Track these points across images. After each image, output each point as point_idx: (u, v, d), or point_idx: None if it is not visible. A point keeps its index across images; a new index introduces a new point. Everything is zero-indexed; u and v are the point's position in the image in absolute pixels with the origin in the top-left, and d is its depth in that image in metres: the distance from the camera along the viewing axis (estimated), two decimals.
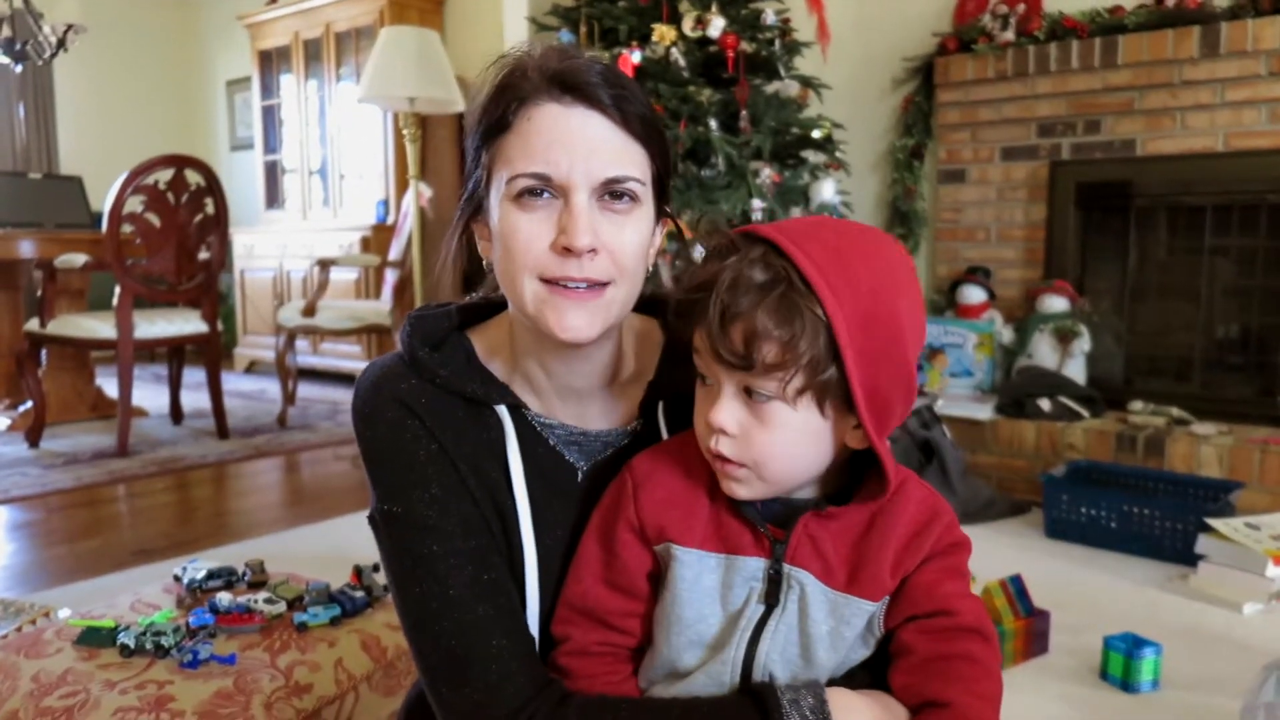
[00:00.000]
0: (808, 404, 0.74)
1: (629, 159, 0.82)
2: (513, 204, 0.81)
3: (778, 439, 0.75)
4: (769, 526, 0.79)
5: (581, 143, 0.80)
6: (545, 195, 0.80)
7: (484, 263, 0.89)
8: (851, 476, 0.82)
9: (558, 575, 0.88)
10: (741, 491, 0.78)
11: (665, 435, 0.90)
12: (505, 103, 0.82)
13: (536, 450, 0.90)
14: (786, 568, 0.78)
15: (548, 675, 0.84)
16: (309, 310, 4.24)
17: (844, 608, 0.78)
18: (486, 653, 0.82)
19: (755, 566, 0.79)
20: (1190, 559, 2.27)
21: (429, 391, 0.88)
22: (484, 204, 0.86)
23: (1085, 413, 2.97)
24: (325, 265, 4.41)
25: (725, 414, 0.76)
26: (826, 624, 0.78)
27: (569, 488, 0.90)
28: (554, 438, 0.91)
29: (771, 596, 0.78)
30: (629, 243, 0.82)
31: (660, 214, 0.88)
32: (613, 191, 0.81)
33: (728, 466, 0.77)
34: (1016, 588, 1.88)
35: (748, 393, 0.75)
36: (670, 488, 0.82)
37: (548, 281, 0.81)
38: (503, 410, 0.89)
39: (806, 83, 3.30)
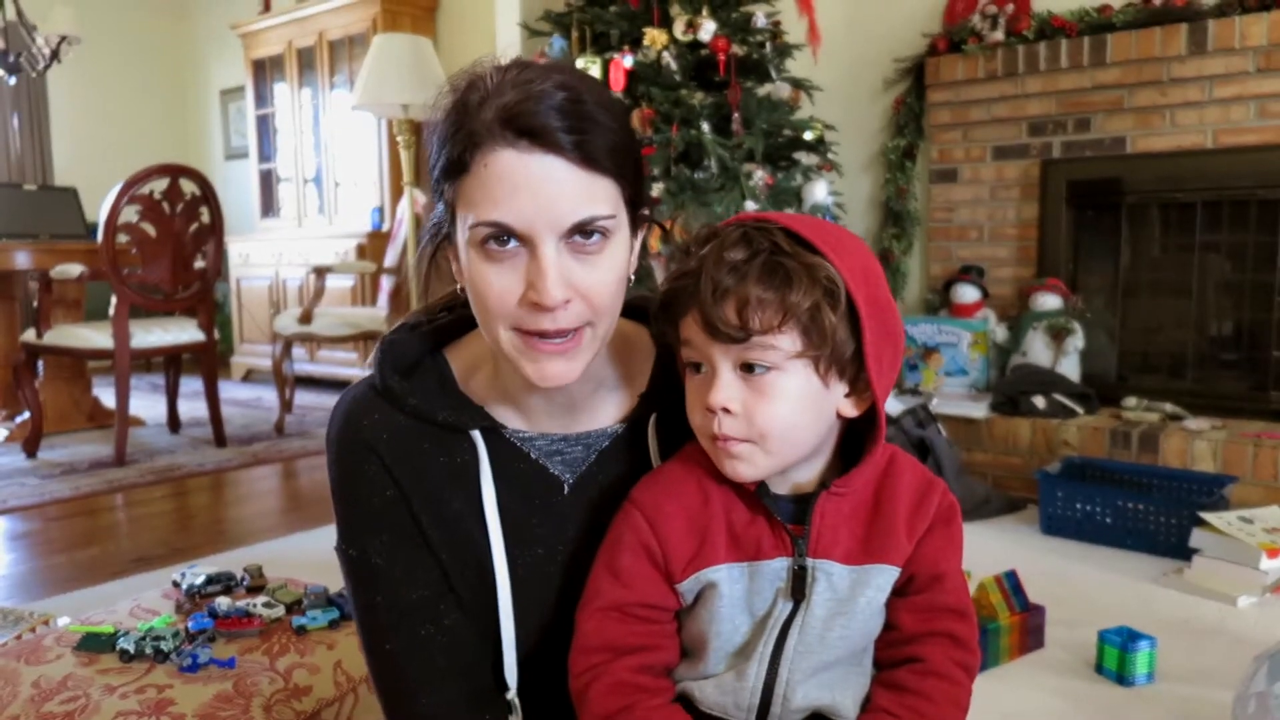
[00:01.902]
0: (804, 369, 0.77)
1: (596, 198, 0.77)
2: (478, 251, 0.78)
3: (780, 408, 0.77)
4: (789, 525, 0.81)
5: (543, 191, 0.75)
6: (511, 243, 0.76)
7: (458, 286, 0.87)
8: (846, 460, 0.84)
9: (554, 592, 0.89)
10: (745, 470, 0.79)
11: (652, 447, 0.91)
12: (460, 144, 0.77)
13: (517, 468, 0.89)
14: (811, 562, 0.80)
15: None
16: (305, 318, 4.25)
17: (875, 576, 0.81)
18: (413, 709, 0.87)
19: (778, 566, 0.80)
20: (1184, 553, 2.28)
21: (396, 422, 0.87)
22: (451, 235, 0.82)
23: (1079, 409, 2.99)
24: (321, 272, 4.42)
25: (724, 393, 0.77)
26: (864, 596, 0.80)
27: (554, 501, 0.90)
28: (535, 451, 0.90)
29: (797, 591, 0.80)
30: (603, 282, 0.79)
31: (637, 224, 0.84)
32: (583, 232, 0.77)
33: (730, 445, 0.78)
34: (1011, 583, 1.89)
35: (744, 369, 0.77)
36: (684, 515, 0.82)
37: (523, 332, 0.79)
38: (476, 435, 0.88)
39: (798, 85, 3.31)
